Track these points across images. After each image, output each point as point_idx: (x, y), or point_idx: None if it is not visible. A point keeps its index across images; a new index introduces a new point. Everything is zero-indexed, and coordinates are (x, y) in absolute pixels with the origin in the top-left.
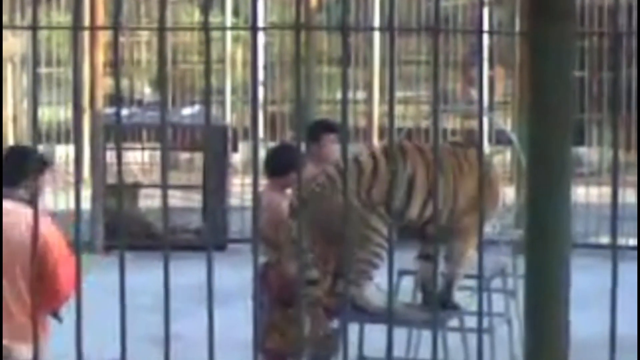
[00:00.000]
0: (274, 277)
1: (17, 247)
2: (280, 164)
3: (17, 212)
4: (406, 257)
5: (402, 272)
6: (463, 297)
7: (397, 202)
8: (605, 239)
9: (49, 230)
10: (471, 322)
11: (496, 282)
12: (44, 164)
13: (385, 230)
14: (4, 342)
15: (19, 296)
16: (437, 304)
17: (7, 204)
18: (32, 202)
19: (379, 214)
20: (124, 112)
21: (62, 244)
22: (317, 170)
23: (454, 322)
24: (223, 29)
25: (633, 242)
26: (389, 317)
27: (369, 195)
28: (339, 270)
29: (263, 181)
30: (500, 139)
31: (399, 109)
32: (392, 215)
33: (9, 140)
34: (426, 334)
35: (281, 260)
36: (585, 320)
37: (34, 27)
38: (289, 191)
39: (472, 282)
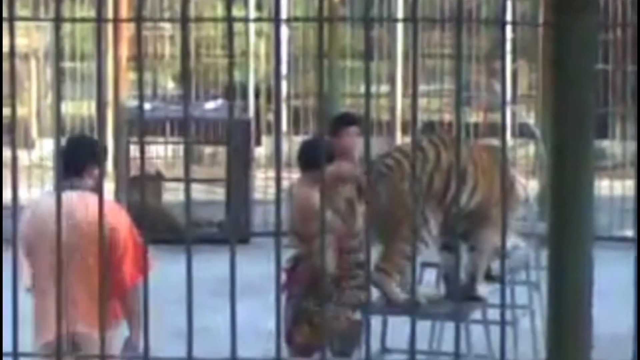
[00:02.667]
0: (304, 269)
1: (83, 234)
2: (313, 158)
3: (83, 201)
4: (428, 250)
5: (425, 265)
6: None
7: (452, 192)
8: (629, 232)
9: (117, 218)
10: (495, 314)
11: (520, 275)
12: (104, 153)
13: (432, 223)
14: (74, 328)
15: (86, 283)
16: (460, 297)
17: (72, 193)
18: (98, 190)
19: (432, 206)
20: (147, 106)
21: (131, 232)
22: (345, 164)
23: (477, 315)
24: (246, 20)
25: None
26: (411, 309)
27: (431, 184)
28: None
29: (292, 175)
30: (523, 132)
31: (422, 102)
32: (443, 206)
33: (33, 135)
34: (449, 326)
35: (312, 253)
36: (608, 313)
37: (57, 20)
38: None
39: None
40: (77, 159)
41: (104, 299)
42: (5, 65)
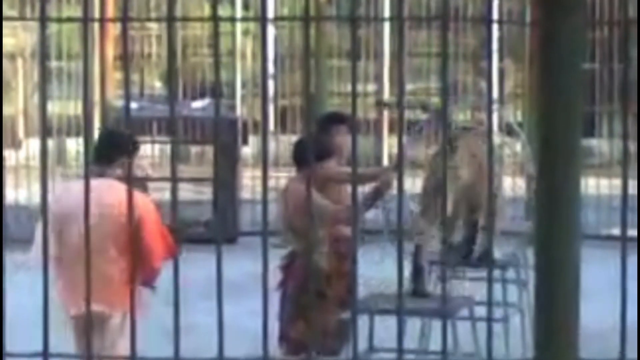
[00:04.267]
0: (300, 266)
1: (111, 220)
2: (307, 156)
3: (111, 189)
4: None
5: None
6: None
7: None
8: (616, 230)
9: (144, 205)
10: (484, 312)
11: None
12: (135, 145)
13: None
14: (99, 308)
15: (113, 266)
16: (445, 295)
17: (102, 181)
18: (127, 179)
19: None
20: (134, 105)
21: (156, 219)
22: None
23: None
24: (232, 20)
25: None
26: (399, 308)
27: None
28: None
29: (279, 174)
30: (510, 130)
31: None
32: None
33: (20, 134)
34: (438, 325)
35: (308, 249)
36: (595, 311)
37: (42, 19)
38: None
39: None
40: (108, 150)
41: (132, 282)
42: None
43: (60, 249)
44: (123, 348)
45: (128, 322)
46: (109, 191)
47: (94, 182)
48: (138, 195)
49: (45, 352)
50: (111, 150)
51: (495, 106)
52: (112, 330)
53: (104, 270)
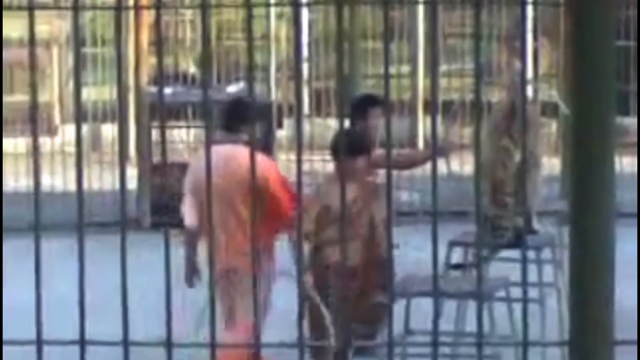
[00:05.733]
0: (314, 263)
1: (236, 179)
2: (347, 148)
3: (239, 153)
4: (454, 228)
5: (453, 243)
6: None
7: None
8: None
9: (266, 165)
10: (520, 293)
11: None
12: (262, 112)
13: None
14: (234, 264)
15: (241, 222)
16: (481, 276)
17: (230, 147)
18: (252, 144)
19: None
20: (169, 90)
21: (279, 176)
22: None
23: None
24: (266, 5)
25: None
26: (434, 289)
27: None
28: None
29: (313, 157)
30: (545, 110)
31: (443, 82)
32: None
33: (56, 121)
34: (474, 306)
35: (322, 247)
36: (631, 290)
37: (76, 7)
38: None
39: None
40: (236, 117)
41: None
42: (27, 53)
43: (202, 213)
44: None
45: (261, 277)
46: (236, 155)
47: (223, 148)
48: (260, 157)
49: (82, 340)
50: (239, 118)
51: (530, 85)
52: (248, 284)
53: (235, 229)
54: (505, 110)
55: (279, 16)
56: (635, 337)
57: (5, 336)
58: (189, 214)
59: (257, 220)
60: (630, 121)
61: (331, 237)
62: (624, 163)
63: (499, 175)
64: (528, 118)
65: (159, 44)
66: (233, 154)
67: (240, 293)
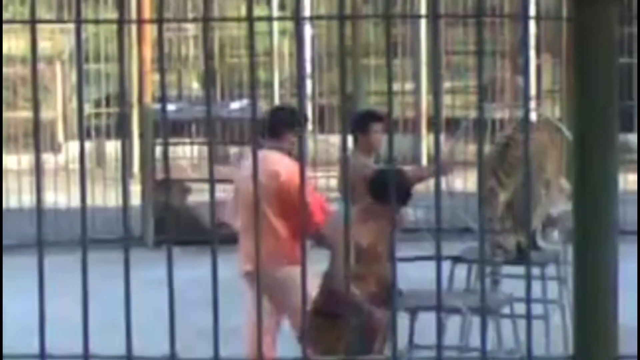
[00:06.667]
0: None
1: (271, 187)
2: (384, 191)
3: (267, 156)
4: (456, 246)
5: (456, 259)
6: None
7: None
8: None
9: (291, 170)
10: (524, 308)
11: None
12: (305, 120)
13: None
14: (264, 265)
15: (269, 226)
16: (485, 292)
17: (269, 153)
18: (289, 151)
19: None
20: (173, 107)
21: (309, 185)
22: (366, 160)
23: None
24: (268, 19)
25: None
26: (437, 304)
27: None
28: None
29: (317, 174)
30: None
31: (446, 99)
32: None
33: (59, 138)
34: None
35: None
36: (634, 307)
37: (78, 21)
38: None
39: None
40: (276, 124)
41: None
42: (29, 69)
43: (239, 215)
44: (295, 301)
45: (293, 276)
46: (272, 162)
47: (260, 154)
48: (290, 162)
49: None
50: (278, 124)
51: (532, 103)
52: (279, 284)
53: (266, 231)
54: (499, 149)
55: (282, 32)
56: (635, 352)
57: (6, 351)
58: (231, 217)
59: (281, 221)
60: (633, 138)
61: (354, 272)
62: (628, 180)
63: (487, 211)
64: (529, 146)
65: (161, 60)
66: (264, 158)
67: (268, 293)
